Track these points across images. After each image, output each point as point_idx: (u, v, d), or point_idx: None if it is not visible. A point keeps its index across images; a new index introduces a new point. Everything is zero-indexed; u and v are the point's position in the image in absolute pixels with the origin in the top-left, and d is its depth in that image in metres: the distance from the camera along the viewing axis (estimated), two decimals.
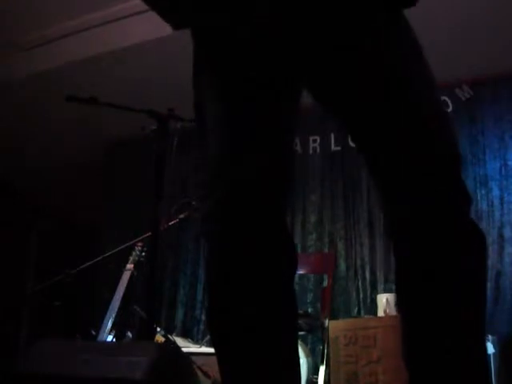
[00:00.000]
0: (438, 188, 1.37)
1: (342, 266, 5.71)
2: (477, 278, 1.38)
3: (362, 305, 5.54)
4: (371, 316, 4.99)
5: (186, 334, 5.84)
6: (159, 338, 4.02)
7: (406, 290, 1.43)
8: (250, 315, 1.35)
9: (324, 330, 4.29)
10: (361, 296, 5.58)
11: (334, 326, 4.23)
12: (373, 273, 5.60)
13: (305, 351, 4.51)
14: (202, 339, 5.20)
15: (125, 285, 4.17)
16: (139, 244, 4.32)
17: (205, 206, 1.41)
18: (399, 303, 1.50)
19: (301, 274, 5.32)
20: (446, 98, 5.56)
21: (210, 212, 1.39)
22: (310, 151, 6.04)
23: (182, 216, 4.20)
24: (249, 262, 1.36)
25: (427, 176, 1.37)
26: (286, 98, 1.44)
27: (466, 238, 1.38)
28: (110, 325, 3.98)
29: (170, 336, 4.18)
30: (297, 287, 5.49)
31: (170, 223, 4.06)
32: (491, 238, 5.21)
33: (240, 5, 1.36)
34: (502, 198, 5.30)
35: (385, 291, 5.18)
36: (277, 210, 1.40)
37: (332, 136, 6.07)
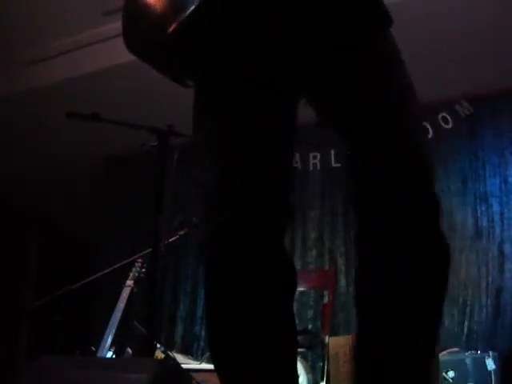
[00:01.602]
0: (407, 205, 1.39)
1: (343, 282, 5.69)
2: (433, 299, 1.41)
3: None
4: None
5: (186, 351, 5.83)
6: (159, 355, 4.01)
7: (363, 303, 1.46)
8: (248, 336, 1.36)
9: (324, 346, 4.28)
10: None
11: (334, 343, 4.22)
12: None
13: (305, 368, 4.49)
14: (202, 355, 5.19)
15: (124, 301, 4.16)
16: (139, 260, 4.31)
17: (204, 230, 1.42)
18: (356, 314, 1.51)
19: (301, 291, 5.30)
20: (446, 115, 5.57)
21: (209, 236, 1.40)
22: (310, 167, 6.03)
23: (181, 232, 4.20)
24: (247, 285, 1.36)
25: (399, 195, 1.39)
26: (284, 110, 1.44)
27: (430, 253, 1.40)
28: (109, 341, 3.96)
29: (169, 352, 4.17)
30: (297, 304, 5.48)
31: (170, 239, 4.06)
32: (491, 253, 5.20)
33: (240, 5, 1.36)
34: (502, 214, 5.29)
35: None
36: (275, 233, 1.41)
37: (332, 152, 6.07)
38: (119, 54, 5.22)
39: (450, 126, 5.59)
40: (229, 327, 1.38)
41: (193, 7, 1.28)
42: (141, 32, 1.43)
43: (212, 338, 1.43)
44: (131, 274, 4.30)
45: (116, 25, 5.09)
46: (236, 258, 1.36)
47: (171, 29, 1.31)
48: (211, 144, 1.45)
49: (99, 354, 3.90)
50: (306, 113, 1.52)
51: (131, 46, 1.45)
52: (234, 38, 1.38)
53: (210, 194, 1.43)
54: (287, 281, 1.43)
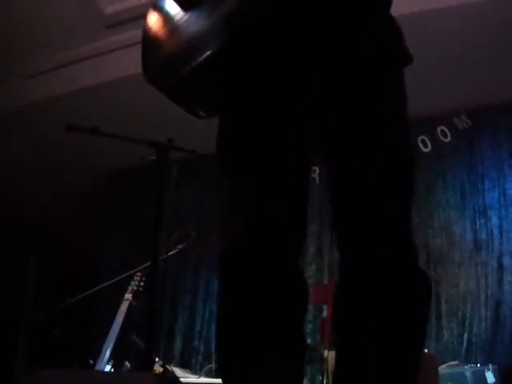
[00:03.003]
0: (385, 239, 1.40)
1: None
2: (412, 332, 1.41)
3: None
4: None
5: (185, 364, 5.81)
6: (157, 368, 4.00)
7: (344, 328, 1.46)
8: (256, 351, 1.36)
9: (323, 361, 4.26)
10: None
11: (333, 357, 4.20)
12: None
13: (304, 383, 4.48)
14: (201, 369, 5.18)
15: (123, 314, 4.15)
16: (138, 274, 4.31)
17: (224, 243, 1.42)
18: (335, 342, 1.51)
19: None
20: (445, 128, 5.58)
21: (224, 253, 1.41)
22: None
23: (180, 246, 4.19)
24: (257, 302, 1.37)
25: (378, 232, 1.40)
26: (294, 123, 1.45)
27: (409, 287, 1.40)
28: (108, 354, 3.95)
29: (168, 366, 4.15)
30: None
31: (169, 253, 4.06)
32: (490, 267, 5.20)
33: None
34: (501, 227, 5.29)
35: None
36: (288, 251, 1.42)
37: None
38: (120, 67, 5.25)
39: (448, 139, 5.60)
40: (238, 341, 1.38)
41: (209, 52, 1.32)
42: (156, 63, 1.48)
43: (220, 352, 1.44)
44: (130, 288, 4.29)
45: (118, 38, 5.08)
46: (249, 275, 1.37)
47: (188, 68, 1.35)
48: (228, 164, 1.47)
49: (97, 368, 3.89)
50: None
51: (148, 75, 1.48)
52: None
53: (226, 213, 1.45)
54: (298, 298, 1.43)
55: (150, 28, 1.51)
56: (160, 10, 1.51)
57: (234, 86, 1.44)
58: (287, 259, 1.40)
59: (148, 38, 1.51)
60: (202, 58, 1.32)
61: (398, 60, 1.50)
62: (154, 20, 1.51)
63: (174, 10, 1.46)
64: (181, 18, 1.43)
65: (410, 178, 1.47)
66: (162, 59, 1.45)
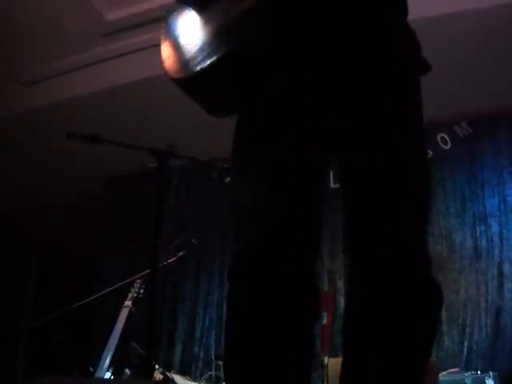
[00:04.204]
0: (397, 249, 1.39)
1: (342, 303, 5.66)
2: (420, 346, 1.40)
3: None
4: None
5: (185, 371, 5.79)
6: (157, 375, 3.99)
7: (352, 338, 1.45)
8: (262, 353, 1.36)
9: (324, 367, 4.25)
10: None
11: (333, 364, 4.19)
12: None
13: None
14: (201, 376, 5.16)
15: (123, 321, 4.14)
16: (138, 281, 4.30)
17: (236, 247, 1.42)
18: (342, 349, 1.50)
19: None
20: (445, 135, 5.58)
21: (237, 254, 1.41)
22: None
23: (180, 253, 4.19)
24: (268, 304, 1.37)
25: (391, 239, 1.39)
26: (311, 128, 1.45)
27: (421, 298, 1.41)
28: (108, 361, 3.94)
29: (168, 373, 4.15)
30: None
31: (169, 260, 4.05)
32: (491, 274, 5.19)
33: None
34: (501, 234, 5.29)
35: None
36: (301, 255, 1.41)
37: (331, 173, 6.06)
38: (121, 74, 5.25)
39: (448, 146, 5.60)
40: (243, 344, 1.38)
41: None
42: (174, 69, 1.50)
43: (226, 354, 1.43)
44: (130, 295, 4.28)
45: (117, 45, 5.05)
46: (260, 278, 1.37)
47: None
48: (237, 165, 1.49)
49: (97, 375, 3.88)
50: None
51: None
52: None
53: (242, 214, 1.44)
54: (308, 303, 1.43)
55: (164, 47, 1.54)
56: (171, 33, 1.55)
57: (242, 87, 1.45)
58: (296, 263, 1.39)
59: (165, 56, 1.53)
60: (216, 57, 1.34)
61: (413, 68, 1.51)
62: (167, 43, 1.54)
63: (184, 26, 1.50)
64: (192, 30, 1.46)
65: (421, 181, 1.45)
66: (178, 64, 1.46)
